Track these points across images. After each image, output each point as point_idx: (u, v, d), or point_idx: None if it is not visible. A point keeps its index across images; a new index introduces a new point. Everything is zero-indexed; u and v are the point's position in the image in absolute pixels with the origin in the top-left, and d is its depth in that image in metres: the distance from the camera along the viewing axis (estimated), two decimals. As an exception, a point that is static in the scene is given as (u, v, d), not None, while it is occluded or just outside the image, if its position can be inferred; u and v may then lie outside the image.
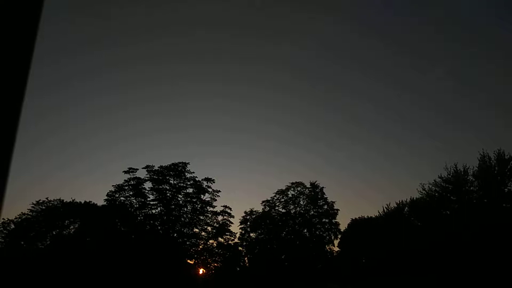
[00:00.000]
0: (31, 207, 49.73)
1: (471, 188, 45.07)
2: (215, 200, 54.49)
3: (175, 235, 52.98)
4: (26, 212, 49.26)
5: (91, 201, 51.94)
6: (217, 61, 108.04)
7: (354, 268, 53.32)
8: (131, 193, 52.41)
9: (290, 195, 61.13)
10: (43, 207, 49.87)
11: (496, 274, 34.96)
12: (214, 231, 54.35)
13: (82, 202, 51.38)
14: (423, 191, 48.21)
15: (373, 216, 58.75)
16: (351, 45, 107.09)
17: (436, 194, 46.95)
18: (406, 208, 54.41)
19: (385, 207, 57.83)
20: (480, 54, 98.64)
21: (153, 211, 52.85)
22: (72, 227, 49.59)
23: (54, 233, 48.69)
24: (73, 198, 51.80)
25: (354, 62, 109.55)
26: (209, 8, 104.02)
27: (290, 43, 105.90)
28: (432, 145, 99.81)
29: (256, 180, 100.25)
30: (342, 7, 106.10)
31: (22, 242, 47.55)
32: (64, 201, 50.96)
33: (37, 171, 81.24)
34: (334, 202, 60.27)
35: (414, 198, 52.41)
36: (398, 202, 56.30)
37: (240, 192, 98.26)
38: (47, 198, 50.68)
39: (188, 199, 53.67)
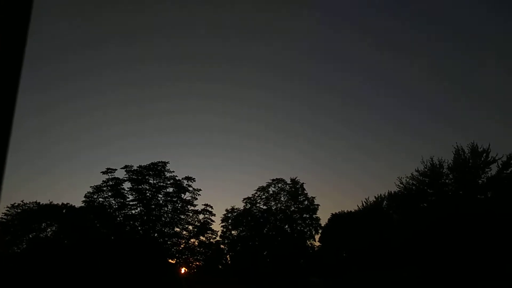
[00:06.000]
0: (6, 210, 48.40)
1: (447, 181, 46.30)
2: (196, 199, 54.30)
3: (155, 235, 52.51)
4: (0, 216, 47.95)
5: (68, 203, 50.99)
6: (197, 62, 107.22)
7: (335, 262, 54.01)
8: (109, 194, 51.60)
9: (271, 192, 61.40)
10: (19, 210, 48.60)
11: (472, 262, 36.04)
12: (196, 230, 54.13)
13: (60, 204, 50.37)
14: (401, 185, 49.25)
15: (353, 211, 59.62)
16: (329, 40, 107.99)
17: (414, 187, 48.00)
18: (385, 201, 55.44)
19: (364, 201, 58.85)
20: (460, 47, 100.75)
21: (133, 211, 52.22)
22: (49, 230, 48.52)
23: (30, 236, 47.55)
24: (50, 201, 50.73)
25: (332, 57, 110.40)
26: (196, 9, 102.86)
27: (269, 41, 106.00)
28: (409, 139, 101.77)
29: (237, 179, 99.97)
30: (321, 1, 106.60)
31: (-3, 247, 46.27)
32: (41, 203, 49.81)
33: (15, 175, 78.84)
34: (314, 197, 60.87)
35: (392, 192, 53.43)
36: (376, 196, 57.32)
37: (221, 191, 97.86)
38: (22, 201, 49.37)
39: (169, 198, 53.25)
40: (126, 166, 52.51)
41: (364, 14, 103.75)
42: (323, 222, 60.69)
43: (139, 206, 52.12)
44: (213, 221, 55.53)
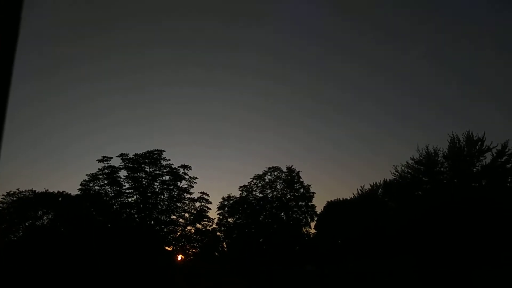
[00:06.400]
0: (2, 198, 48.24)
1: (442, 169, 46.44)
2: (192, 187, 54.36)
3: (152, 222, 52.64)
4: (-4, 204, 47.76)
5: (64, 191, 50.87)
6: (194, 48, 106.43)
7: (330, 250, 54.40)
8: (105, 182, 51.52)
9: (267, 180, 61.51)
10: (14, 198, 48.45)
11: (467, 250, 36.43)
12: (192, 217, 54.32)
13: (56, 192, 50.25)
14: (396, 173, 49.31)
15: (348, 198, 59.81)
16: (327, 29, 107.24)
17: (409, 175, 48.12)
18: (380, 190, 55.62)
19: (360, 189, 59.02)
20: (459, 35, 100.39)
21: (129, 199, 52.27)
22: (45, 217, 48.48)
23: (26, 224, 47.53)
24: (46, 189, 50.55)
25: (328, 43, 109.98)
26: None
27: (261, 25, 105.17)
28: (405, 127, 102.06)
29: (233, 167, 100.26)
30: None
31: (-7, 235, 46.22)
32: (37, 191, 49.64)
33: (10, 164, 78.28)
34: (310, 185, 61.07)
35: (388, 180, 53.58)
36: (372, 184, 57.45)
37: (217, 179, 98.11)
38: (18, 189, 49.14)
39: (165, 186, 53.26)
40: (122, 154, 52.41)
41: (363, 4, 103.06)
42: (319, 209, 61.03)
43: (135, 194, 52.16)
44: (210, 208, 55.80)
